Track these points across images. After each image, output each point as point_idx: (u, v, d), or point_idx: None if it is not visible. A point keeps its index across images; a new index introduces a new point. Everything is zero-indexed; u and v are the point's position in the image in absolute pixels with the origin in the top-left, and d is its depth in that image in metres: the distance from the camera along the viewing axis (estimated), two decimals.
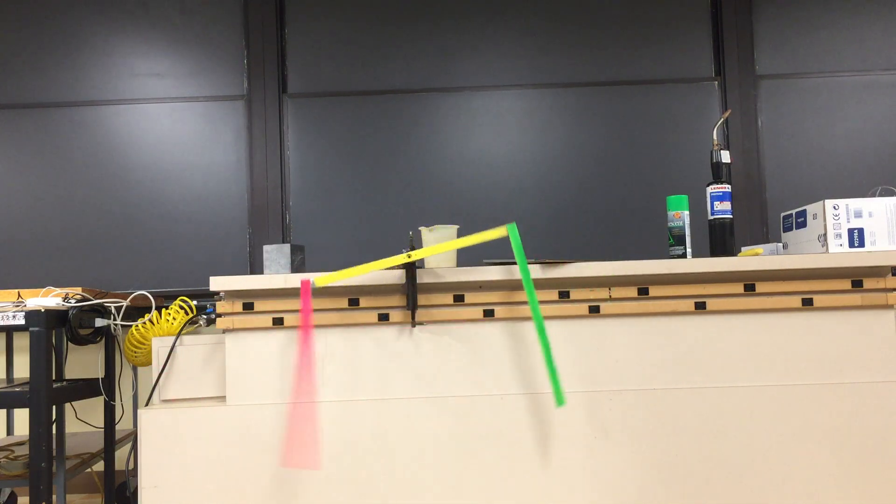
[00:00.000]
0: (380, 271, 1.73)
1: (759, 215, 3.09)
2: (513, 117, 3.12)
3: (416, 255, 1.67)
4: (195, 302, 2.08)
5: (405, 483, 1.72)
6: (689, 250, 1.94)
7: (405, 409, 1.73)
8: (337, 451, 1.72)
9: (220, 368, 1.77)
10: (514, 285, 1.76)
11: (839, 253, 1.74)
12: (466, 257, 3.06)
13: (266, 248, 1.86)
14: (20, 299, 2.15)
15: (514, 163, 3.10)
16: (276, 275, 1.73)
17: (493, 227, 3.07)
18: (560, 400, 1.66)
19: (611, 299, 1.76)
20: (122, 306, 2.24)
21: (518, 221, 3.08)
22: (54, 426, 2.03)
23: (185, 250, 3.08)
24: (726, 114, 1.97)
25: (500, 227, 1.67)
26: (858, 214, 1.83)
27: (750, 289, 1.76)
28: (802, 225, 1.95)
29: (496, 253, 3.06)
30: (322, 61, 3.15)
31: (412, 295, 1.72)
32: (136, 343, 2.02)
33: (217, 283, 1.72)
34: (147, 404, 1.77)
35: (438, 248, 1.68)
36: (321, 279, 1.65)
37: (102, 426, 2.93)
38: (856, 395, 1.73)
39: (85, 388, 2.18)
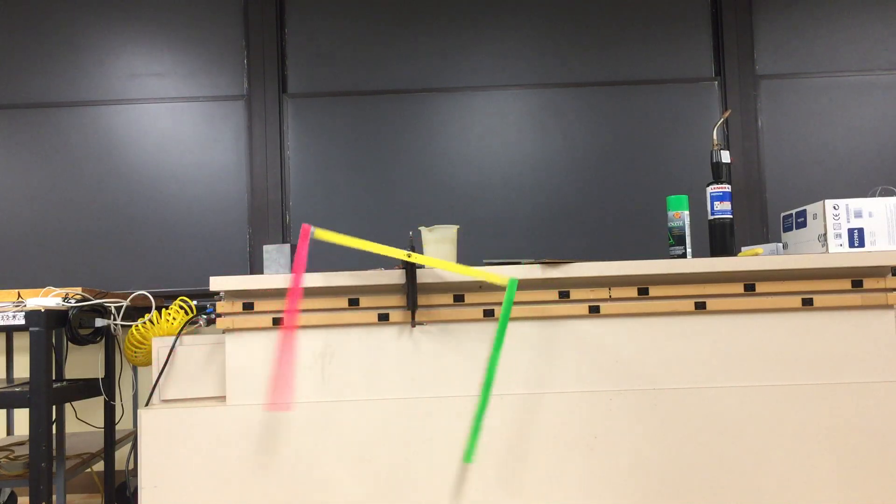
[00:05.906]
0: (379, 271, 1.73)
1: (759, 215, 3.09)
2: (513, 117, 3.12)
3: (416, 258, 1.67)
4: (195, 302, 2.08)
5: (404, 482, 1.72)
6: (689, 250, 1.94)
7: (405, 409, 1.73)
8: (337, 451, 1.72)
9: (220, 368, 1.77)
10: None
11: (839, 253, 1.74)
12: (467, 257, 3.06)
13: (266, 248, 1.86)
14: (20, 299, 2.15)
15: (513, 163, 3.10)
16: (276, 275, 1.73)
17: (492, 228, 3.07)
18: (468, 457, 1.69)
19: (611, 299, 1.76)
20: (122, 306, 2.24)
21: (518, 221, 3.08)
22: (54, 426, 2.03)
23: (185, 250, 3.08)
24: (726, 114, 1.97)
25: (503, 276, 1.67)
26: (858, 214, 1.83)
27: (750, 289, 1.76)
28: (802, 225, 1.95)
29: (496, 253, 3.06)
30: (322, 61, 3.15)
31: (412, 295, 1.72)
32: (136, 343, 2.02)
33: (217, 283, 1.72)
34: (147, 404, 1.77)
35: (439, 263, 1.67)
36: (320, 232, 1.66)
37: (102, 426, 2.93)
38: (856, 395, 1.73)
39: (85, 388, 2.18)
